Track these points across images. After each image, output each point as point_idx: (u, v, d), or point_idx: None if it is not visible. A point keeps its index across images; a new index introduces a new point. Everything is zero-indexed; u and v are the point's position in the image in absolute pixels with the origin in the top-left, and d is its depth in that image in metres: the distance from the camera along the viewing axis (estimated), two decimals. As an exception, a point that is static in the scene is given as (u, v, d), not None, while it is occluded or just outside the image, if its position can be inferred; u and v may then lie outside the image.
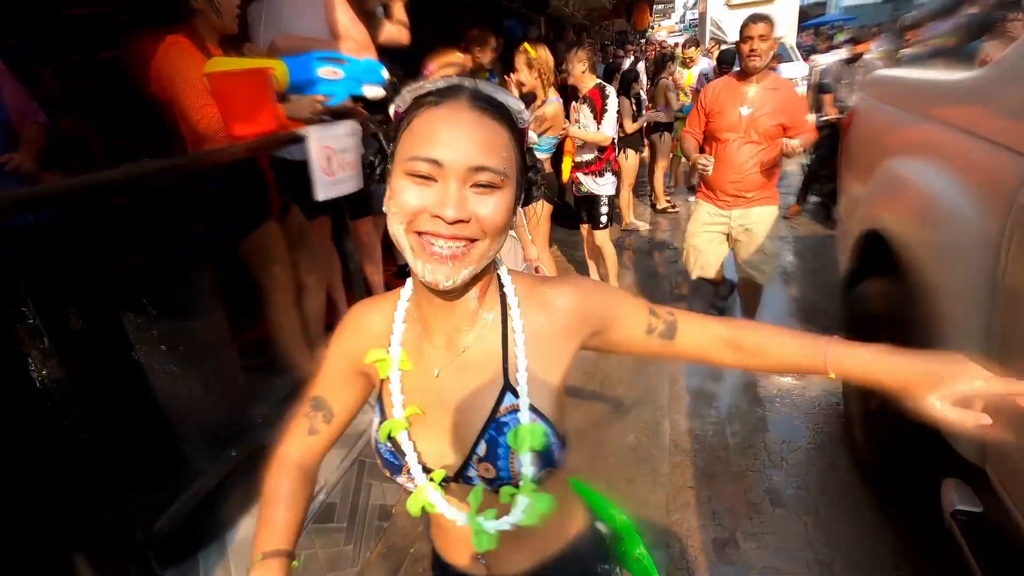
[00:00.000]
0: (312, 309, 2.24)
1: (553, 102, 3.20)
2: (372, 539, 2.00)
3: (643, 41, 12.44)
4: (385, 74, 1.98)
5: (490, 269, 0.69)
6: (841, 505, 2.02)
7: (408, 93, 0.64)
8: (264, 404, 1.99)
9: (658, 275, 4.39)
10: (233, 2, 1.87)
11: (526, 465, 0.67)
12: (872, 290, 1.98)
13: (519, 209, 0.68)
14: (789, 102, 2.60)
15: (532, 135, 2.96)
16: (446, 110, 0.61)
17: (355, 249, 2.79)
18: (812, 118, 4.48)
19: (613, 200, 3.60)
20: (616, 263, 3.70)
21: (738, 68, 2.73)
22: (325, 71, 1.86)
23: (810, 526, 1.95)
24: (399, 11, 2.52)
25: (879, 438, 1.96)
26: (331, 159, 1.75)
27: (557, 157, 3.69)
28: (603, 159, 3.47)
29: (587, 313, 0.73)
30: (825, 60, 5.34)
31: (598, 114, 3.34)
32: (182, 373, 1.61)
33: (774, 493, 2.11)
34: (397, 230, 0.62)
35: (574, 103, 3.47)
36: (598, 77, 3.90)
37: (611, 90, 3.38)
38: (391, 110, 0.67)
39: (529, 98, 3.47)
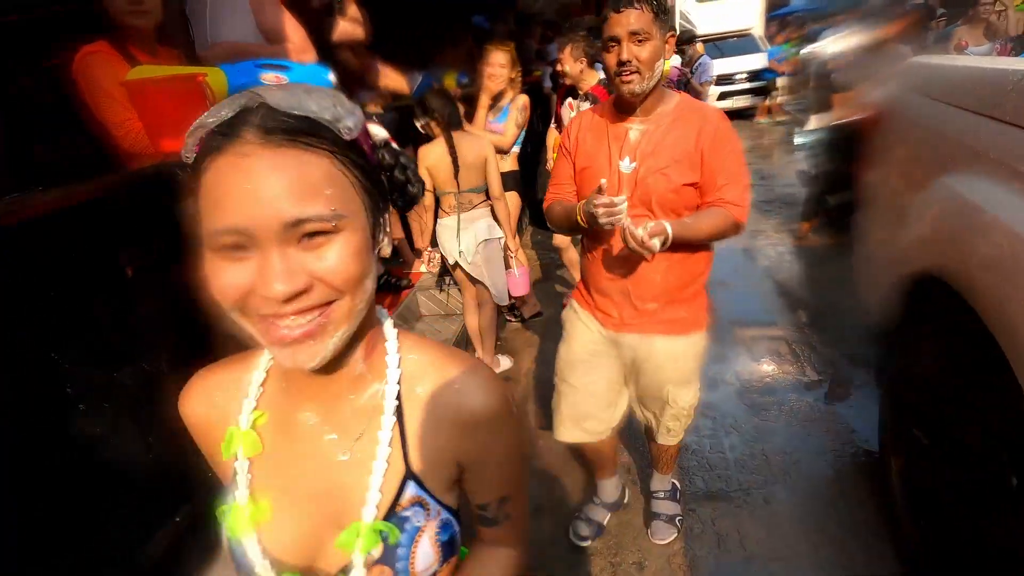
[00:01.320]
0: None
1: (522, 95, 3.08)
2: None
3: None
4: (332, 78, 1.79)
5: (370, 323, 0.57)
6: (851, 520, 1.90)
7: (188, 136, 0.49)
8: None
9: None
10: (157, 4, 1.66)
11: (428, 560, 0.57)
12: (937, 351, 1.48)
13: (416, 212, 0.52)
14: (706, 142, 1.39)
15: None
16: (232, 157, 0.46)
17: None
18: (815, 121, 4.16)
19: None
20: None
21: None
22: (268, 77, 1.66)
23: (820, 546, 1.83)
24: (352, 7, 2.33)
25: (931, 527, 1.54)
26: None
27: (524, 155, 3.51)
28: None
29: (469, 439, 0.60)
30: (830, 47, 4.35)
31: None
32: (116, 426, 1.41)
33: (780, 512, 1.98)
34: (234, 318, 0.49)
35: (570, 100, 3.19)
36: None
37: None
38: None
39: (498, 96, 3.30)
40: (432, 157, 2.59)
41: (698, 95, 5.34)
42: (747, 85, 9.41)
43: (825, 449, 2.24)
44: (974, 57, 1.84)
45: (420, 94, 3.17)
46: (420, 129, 3.21)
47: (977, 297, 1.19)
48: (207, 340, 1.68)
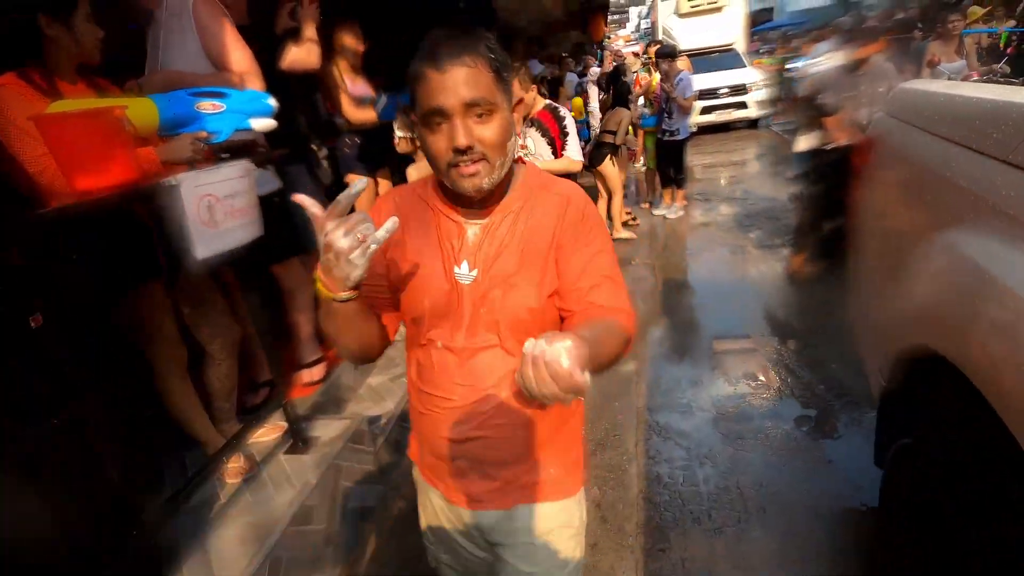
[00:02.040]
0: (216, 380, 1.94)
1: None
2: (352, 540, 2.03)
3: (601, 51, 12.45)
4: (272, 102, 1.72)
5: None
6: (830, 561, 1.81)
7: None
8: (153, 503, 1.68)
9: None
10: (95, 31, 1.59)
11: None
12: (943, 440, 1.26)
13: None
14: (567, 232, 0.95)
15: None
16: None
17: (285, 296, 2.52)
18: (804, 142, 3.95)
19: None
20: None
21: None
22: (204, 106, 1.59)
23: (796, 590, 1.74)
24: (309, 30, 2.27)
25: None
26: (213, 208, 1.47)
27: None
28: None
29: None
30: (813, 66, 4.18)
31: (556, 139, 3.03)
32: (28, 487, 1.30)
33: (753, 551, 1.89)
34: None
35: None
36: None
37: (565, 111, 3.10)
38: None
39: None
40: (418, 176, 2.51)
41: (684, 111, 5.32)
42: (730, 99, 9.48)
43: (804, 483, 2.15)
44: (977, 84, 1.62)
45: (388, 116, 3.12)
46: (396, 147, 3.14)
47: (982, 382, 0.96)
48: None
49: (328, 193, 2.85)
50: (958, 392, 1.03)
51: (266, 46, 2.47)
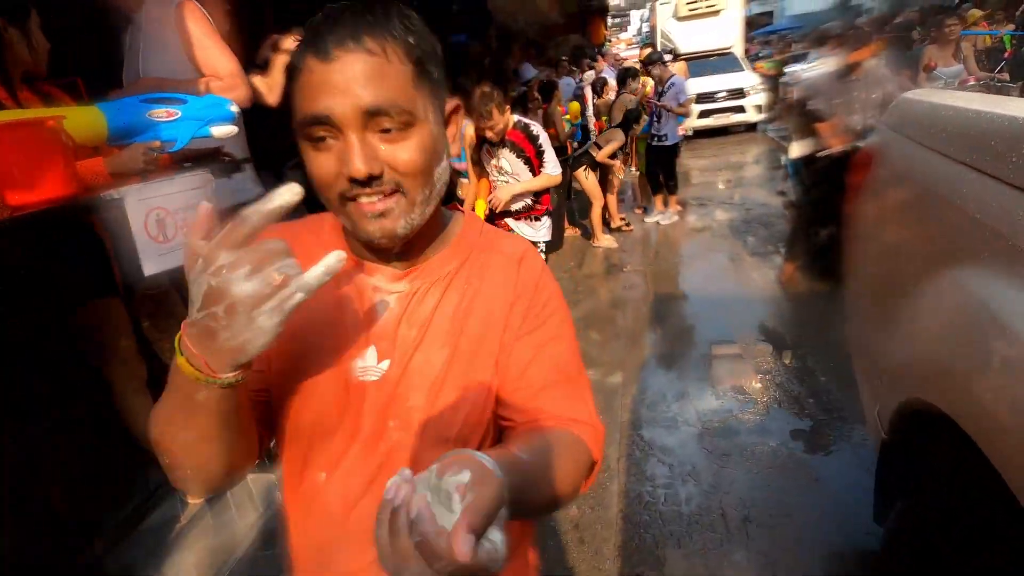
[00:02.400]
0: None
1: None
2: None
3: (599, 55, 12.41)
4: (234, 108, 1.65)
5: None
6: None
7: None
8: (109, 524, 1.62)
9: (612, 306, 4.10)
10: (44, 42, 1.54)
11: None
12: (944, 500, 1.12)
13: None
14: (519, 312, 0.65)
15: None
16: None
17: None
18: (797, 148, 3.88)
19: (548, 244, 3.22)
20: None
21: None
22: (157, 113, 1.53)
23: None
24: (277, 72, 2.25)
25: None
26: (164, 222, 1.41)
27: None
28: (540, 206, 3.09)
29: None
30: (806, 71, 4.11)
31: (533, 158, 2.93)
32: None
33: (735, 577, 1.82)
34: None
35: (487, 147, 3.04)
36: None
37: (536, 127, 2.97)
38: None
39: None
40: None
41: (678, 116, 5.27)
42: (728, 103, 9.42)
43: (791, 504, 2.08)
44: (991, 98, 1.24)
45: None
46: None
47: (992, 447, 0.83)
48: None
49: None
50: (964, 451, 0.89)
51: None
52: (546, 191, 3.06)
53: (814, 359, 2.99)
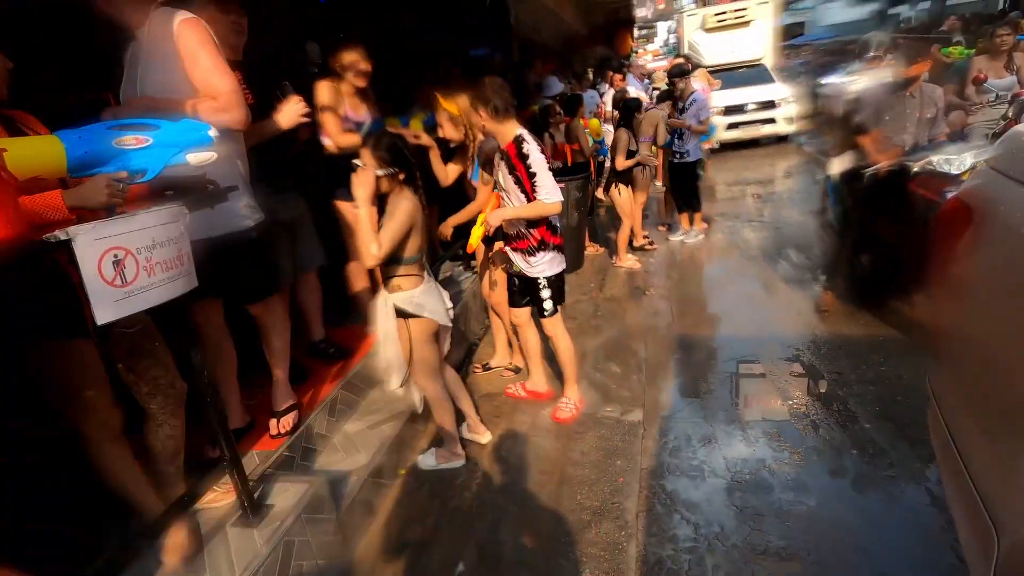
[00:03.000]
0: (157, 442, 1.72)
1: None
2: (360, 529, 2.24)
3: (625, 66, 12.24)
4: (213, 133, 1.51)
5: None
6: None
7: None
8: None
9: (634, 334, 3.86)
10: (4, 64, 1.43)
11: None
12: None
13: None
14: None
15: None
16: None
17: (261, 337, 2.36)
18: (838, 164, 3.56)
19: (558, 278, 2.78)
20: (572, 354, 2.90)
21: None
22: (125, 141, 1.39)
23: None
24: (285, 120, 2.26)
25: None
26: (123, 263, 1.26)
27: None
28: (533, 237, 2.65)
29: None
30: (850, 82, 3.68)
31: (524, 180, 2.52)
32: None
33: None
34: None
35: (497, 155, 2.74)
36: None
37: (531, 145, 2.51)
38: None
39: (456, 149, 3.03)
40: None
41: (688, 136, 5.04)
42: (758, 115, 9.10)
43: (829, 578, 1.82)
44: None
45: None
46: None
47: None
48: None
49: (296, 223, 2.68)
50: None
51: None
52: (543, 221, 2.64)
53: (858, 402, 2.71)
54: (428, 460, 2.62)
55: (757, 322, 3.71)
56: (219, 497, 1.94)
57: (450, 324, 2.50)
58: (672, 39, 30.95)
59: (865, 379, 2.90)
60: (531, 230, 2.65)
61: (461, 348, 3.64)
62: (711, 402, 2.90)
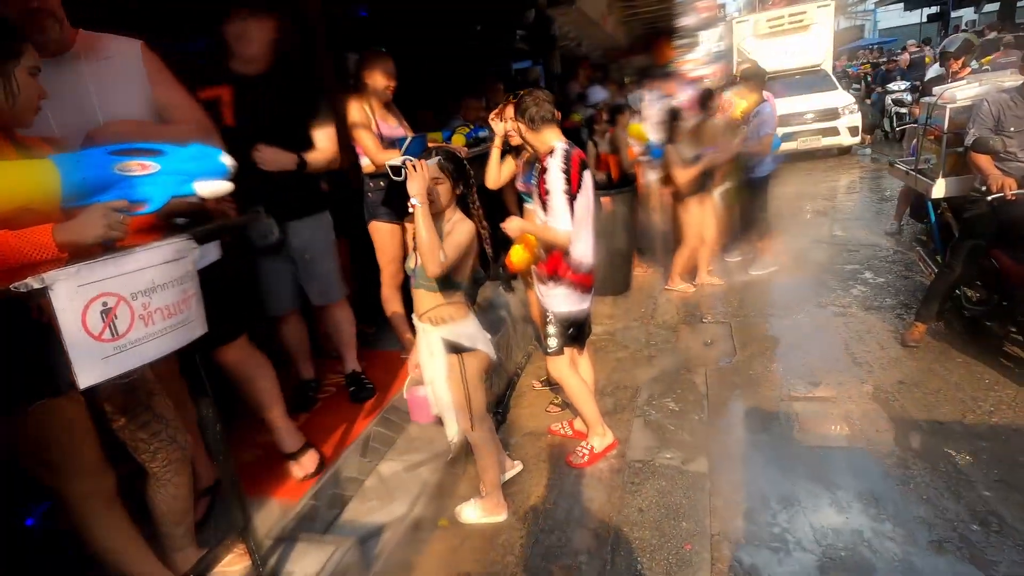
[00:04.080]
0: (162, 503, 1.53)
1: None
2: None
3: (671, 74, 11.86)
4: (227, 160, 1.31)
5: None
6: None
7: None
8: None
9: (692, 366, 3.51)
10: (35, 91, 1.27)
11: None
12: None
13: None
14: None
15: None
16: None
17: (243, 383, 2.07)
18: (944, 187, 3.13)
19: (570, 321, 2.49)
20: (584, 395, 2.58)
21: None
22: (129, 167, 1.20)
23: None
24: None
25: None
26: (114, 312, 1.06)
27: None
28: (551, 262, 2.38)
29: None
30: (961, 92, 3.21)
31: (542, 195, 2.29)
32: None
33: None
34: None
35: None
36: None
37: (554, 160, 2.25)
38: None
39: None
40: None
41: (756, 153, 4.59)
42: (817, 125, 8.55)
43: None
44: None
45: (413, 154, 2.70)
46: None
47: None
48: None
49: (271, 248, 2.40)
50: None
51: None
52: (556, 251, 2.35)
53: (971, 463, 2.30)
54: (470, 512, 2.35)
55: (833, 356, 3.31)
56: (235, 560, 1.72)
57: (495, 358, 2.25)
58: (716, 47, 30.22)
59: (975, 432, 2.48)
60: (546, 257, 2.41)
61: (501, 380, 3.38)
62: (787, 452, 2.53)
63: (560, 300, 2.42)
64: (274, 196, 2.16)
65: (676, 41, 15.29)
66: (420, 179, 1.85)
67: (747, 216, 4.92)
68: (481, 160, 3.05)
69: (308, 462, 2.15)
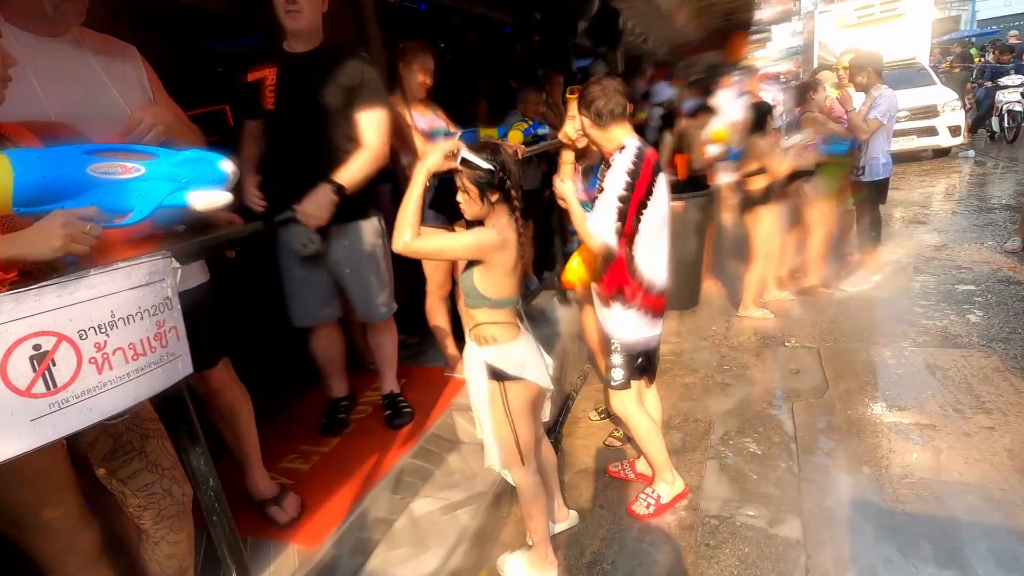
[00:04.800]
0: (155, 563, 1.29)
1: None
2: None
3: (744, 71, 11.14)
4: (227, 167, 1.04)
5: None
6: None
7: None
8: None
9: (775, 400, 3.05)
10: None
11: None
12: None
13: None
14: None
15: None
16: None
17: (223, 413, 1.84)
18: None
19: (639, 352, 2.11)
20: (653, 437, 2.22)
21: None
22: (105, 168, 0.95)
23: None
24: None
25: None
26: (51, 355, 0.81)
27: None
28: (612, 280, 2.02)
29: None
30: None
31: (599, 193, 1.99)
32: None
33: None
34: None
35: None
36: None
37: (623, 158, 1.93)
38: None
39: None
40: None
41: (872, 143, 3.95)
42: (913, 124, 7.69)
43: None
44: None
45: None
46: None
47: None
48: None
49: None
50: None
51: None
52: (619, 268, 1.98)
53: None
54: (515, 567, 2.03)
55: (952, 398, 2.76)
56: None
57: (551, 387, 1.92)
58: (791, 43, 28.56)
59: None
60: (610, 275, 2.03)
61: (553, 403, 3.04)
62: (906, 522, 2.06)
63: (627, 325, 2.06)
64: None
65: (750, 36, 14.46)
66: (433, 154, 1.59)
67: (860, 224, 4.26)
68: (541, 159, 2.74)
69: (291, 507, 1.92)
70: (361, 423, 2.51)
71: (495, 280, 1.68)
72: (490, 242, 1.62)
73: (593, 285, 2.18)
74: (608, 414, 2.95)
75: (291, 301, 2.15)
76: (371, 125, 2.00)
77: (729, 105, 6.20)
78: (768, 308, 4.04)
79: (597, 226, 1.92)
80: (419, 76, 2.47)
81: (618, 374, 2.12)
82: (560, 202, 2.05)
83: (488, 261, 1.65)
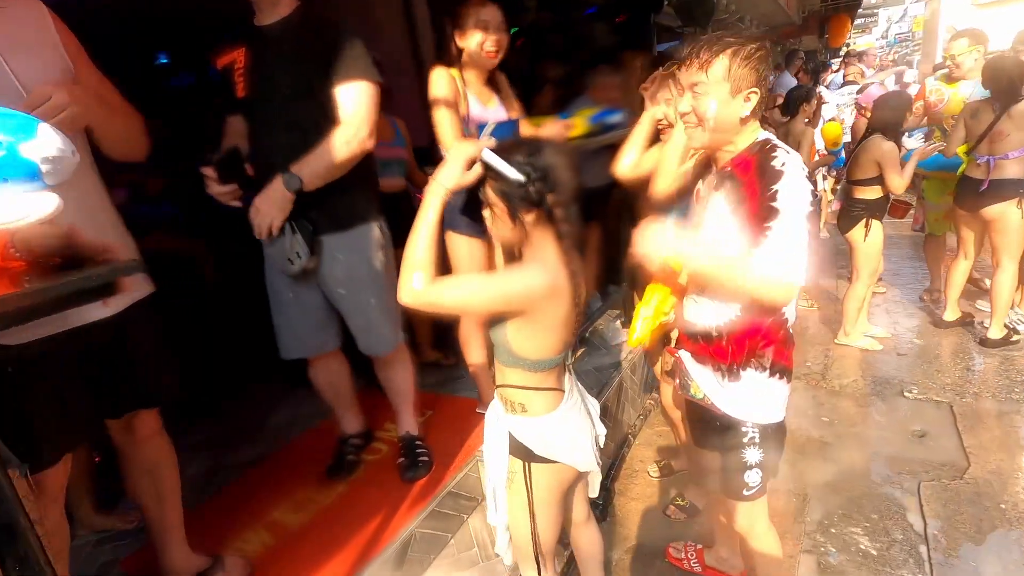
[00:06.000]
0: None
1: None
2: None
3: (840, 60, 9.99)
4: (40, 148, 0.62)
5: None
6: None
7: None
8: None
9: (894, 473, 2.39)
10: None
11: None
12: None
13: None
14: None
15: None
16: None
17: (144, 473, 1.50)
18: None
19: (777, 430, 1.41)
20: (772, 563, 1.51)
21: None
22: None
23: None
24: None
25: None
26: None
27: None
28: (748, 336, 1.31)
29: None
30: None
31: (753, 217, 1.20)
32: None
33: None
34: None
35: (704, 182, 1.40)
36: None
37: (790, 160, 1.19)
38: None
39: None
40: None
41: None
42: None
43: None
44: None
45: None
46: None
47: None
48: None
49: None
50: None
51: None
52: (769, 317, 1.29)
53: None
54: None
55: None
56: None
57: (597, 466, 1.43)
58: (897, 28, 25.76)
59: None
60: (731, 334, 1.33)
61: (609, 447, 2.54)
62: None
63: (768, 400, 1.36)
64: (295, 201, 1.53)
65: (855, 20, 12.97)
66: (456, 159, 1.14)
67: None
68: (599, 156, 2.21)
69: (234, 571, 1.59)
70: (372, 466, 2.12)
71: (536, 336, 1.20)
72: (536, 291, 1.14)
73: (681, 352, 1.46)
74: (670, 469, 2.42)
75: (279, 329, 1.78)
76: (350, 99, 1.55)
77: (830, 95, 5.33)
78: (880, 340, 3.32)
79: (778, 272, 1.17)
80: (476, 39, 1.86)
81: (754, 478, 1.40)
82: (650, 262, 1.30)
83: (529, 312, 1.18)
